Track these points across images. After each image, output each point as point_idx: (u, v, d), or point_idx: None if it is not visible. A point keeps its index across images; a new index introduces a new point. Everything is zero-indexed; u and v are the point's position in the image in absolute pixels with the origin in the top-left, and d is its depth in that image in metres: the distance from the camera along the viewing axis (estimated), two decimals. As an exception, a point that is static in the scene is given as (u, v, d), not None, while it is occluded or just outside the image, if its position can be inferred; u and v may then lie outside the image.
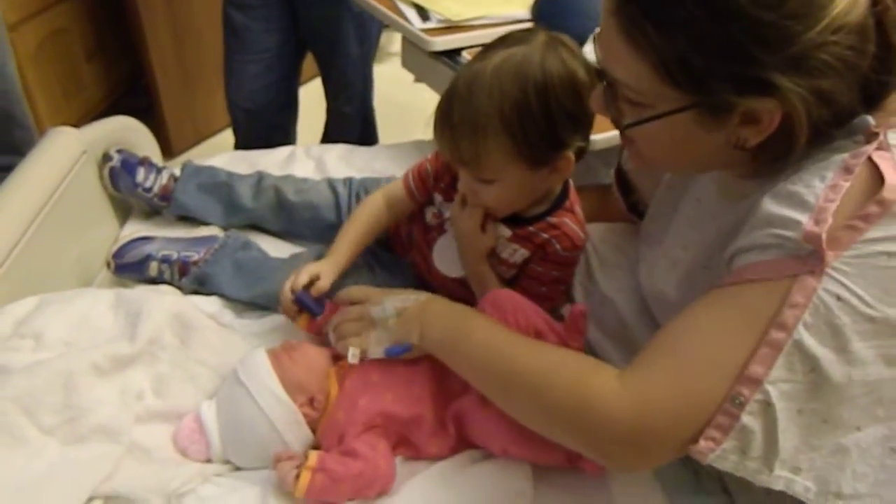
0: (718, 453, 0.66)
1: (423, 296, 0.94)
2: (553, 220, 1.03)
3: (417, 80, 2.11)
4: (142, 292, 1.03)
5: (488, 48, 0.95)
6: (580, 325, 0.94)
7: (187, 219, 1.31)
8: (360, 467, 0.85)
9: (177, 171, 1.33)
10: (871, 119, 0.67)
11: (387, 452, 0.88)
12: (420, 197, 1.12)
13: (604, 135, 1.14)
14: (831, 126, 0.67)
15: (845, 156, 0.66)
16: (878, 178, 0.63)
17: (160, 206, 1.30)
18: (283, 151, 1.48)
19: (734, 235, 0.74)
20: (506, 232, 1.04)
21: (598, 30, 0.74)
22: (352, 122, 1.98)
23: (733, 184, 0.82)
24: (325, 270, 1.06)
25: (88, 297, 1.00)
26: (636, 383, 0.70)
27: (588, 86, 0.92)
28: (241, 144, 1.97)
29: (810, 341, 0.64)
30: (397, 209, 1.14)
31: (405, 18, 1.45)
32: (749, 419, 0.65)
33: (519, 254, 1.05)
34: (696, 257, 0.86)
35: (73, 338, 0.95)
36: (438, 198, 1.11)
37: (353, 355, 0.92)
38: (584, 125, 0.95)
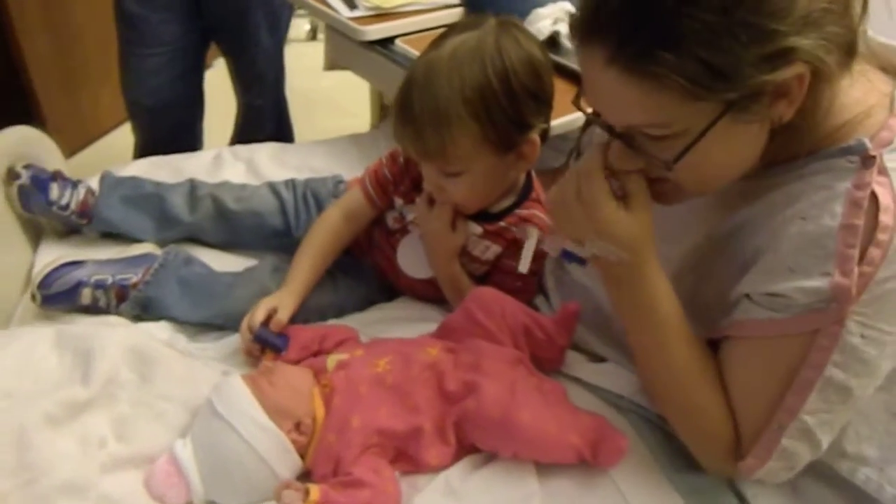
0: (765, 471, 0.75)
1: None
2: (522, 212, 1.01)
3: (330, 68, 2.04)
4: (88, 327, 0.92)
5: (440, 38, 0.93)
6: (571, 324, 0.93)
7: (112, 236, 1.19)
8: (367, 497, 0.80)
9: (93, 184, 1.21)
10: (867, 142, 0.69)
11: (392, 476, 0.83)
12: (381, 203, 1.08)
13: (555, 121, 1.13)
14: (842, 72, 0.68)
15: (848, 185, 0.68)
16: (874, 212, 0.67)
17: (79, 225, 1.18)
18: (207, 154, 1.38)
19: (734, 239, 0.77)
20: (476, 229, 1.01)
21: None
22: (265, 116, 1.87)
23: None
24: (282, 302, 0.99)
25: (24, 339, 0.88)
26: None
27: (545, 64, 0.91)
28: (143, 146, 1.82)
29: (841, 376, 0.69)
30: (357, 221, 1.09)
31: (331, 8, 1.37)
32: (790, 442, 0.72)
33: (491, 250, 1.02)
34: (683, 257, 0.86)
35: (15, 387, 0.83)
36: (399, 201, 1.07)
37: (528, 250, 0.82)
38: (546, 105, 0.94)
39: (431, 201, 0.99)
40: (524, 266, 0.84)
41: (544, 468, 0.87)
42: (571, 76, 1.18)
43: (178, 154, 1.38)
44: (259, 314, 0.97)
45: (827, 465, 0.81)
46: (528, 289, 1.05)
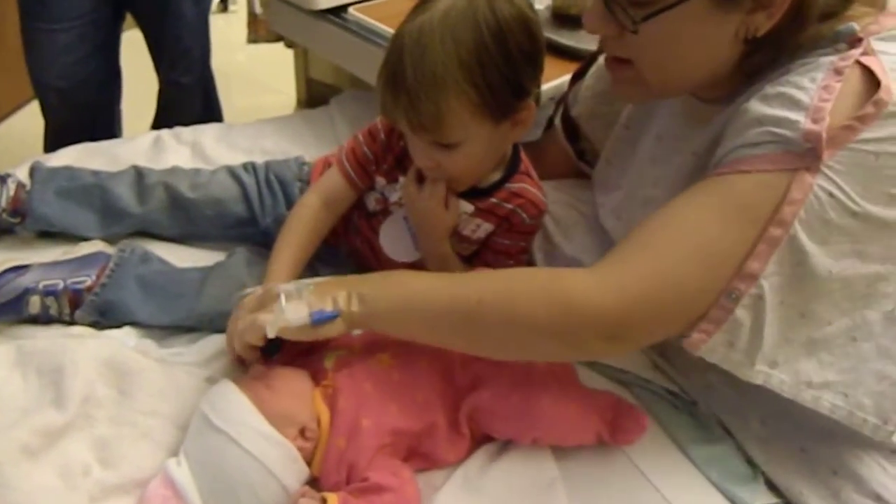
0: (709, 345, 0.70)
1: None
2: (513, 187, 0.97)
3: (254, 41, 1.91)
4: (52, 341, 0.81)
5: (423, 2, 0.86)
6: None
7: (50, 235, 1.07)
8: (389, 501, 0.75)
9: (21, 177, 1.08)
10: (855, 26, 0.70)
11: (410, 476, 0.79)
12: (362, 184, 1.00)
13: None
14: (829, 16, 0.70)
15: (833, 58, 0.69)
16: (871, 80, 0.67)
17: (11, 224, 1.05)
18: (145, 139, 1.26)
19: (714, 148, 0.76)
20: (468, 207, 0.96)
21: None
22: (192, 94, 1.74)
23: (702, 109, 0.83)
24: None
25: (-22, 361, 0.77)
26: (619, 276, 0.70)
27: (537, 23, 0.87)
28: (55, 132, 1.66)
29: (803, 237, 0.67)
30: (338, 206, 1.01)
31: (276, -27, 1.27)
32: (742, 312, 0.69)
33: (482, 228, 0.98)
34: (673, 189, 0.84)
35: (-25, 417, 0.73)
36: (381, 181, 1.00)
37: (271, 325, 0.76)
38: (540, 68, 0.90)
39: (421, 179, 0.94)
40: (269, 330, 0.77)
41: (560, 451, 0.85)
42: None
43: (113, 140, 1.25)
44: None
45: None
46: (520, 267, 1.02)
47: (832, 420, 0.81)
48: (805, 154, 0.66)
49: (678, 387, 0.92)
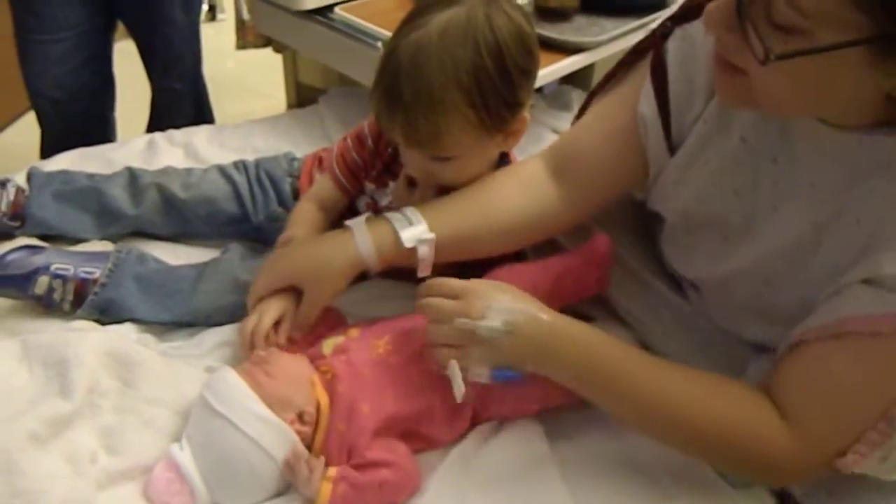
0: (864, 465, 0.70)
1: (531, 307, 0.77)
2: None
3: (243, 48, 1.94)
4: (56, 335, 0.83)
5: (419, 13, 0.85)
6: (599, 260, 0.93)
7: (48, 238, 1.08)
8: (385, 474, 0.78)
9: (20, 181, 1.10)
10: None
11: (407, 452, 0.81)
12: (353, 190, 1.03)
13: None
14: None
15: None
16: None
17: (11, 228, 1.07)
18: (139, 142, 1.28)
19: (855, 239, 0.69)
20: None
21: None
22: (184, 100, 1.76)
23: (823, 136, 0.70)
24: (289, 305, 0.90)
25: (-13, 355, 0.80)
26: (807, 441, 0.71)
27: (533, 37, 0.88)
28: (51, 140, 1.68)
29: None
30: (332, 209, 1.03)
31: (261, -24, 1.30)
32: None
33: None
34: (760, 235, 0.79)
35: (-14, 408, 0.75)
36: (370, 186, 1.02)
37: (455, 377, 0.76)
38: (535, 78, 0.91)
39: (411, 183, 0.95)
40: (459, 394, 0.77)
41: (550, 431, 0.87)
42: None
43: (107, 144, 1.28)
44: (267, 321, 0.88)
45: None
46: (507, 257, 1.04)
47: None
48: None
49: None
